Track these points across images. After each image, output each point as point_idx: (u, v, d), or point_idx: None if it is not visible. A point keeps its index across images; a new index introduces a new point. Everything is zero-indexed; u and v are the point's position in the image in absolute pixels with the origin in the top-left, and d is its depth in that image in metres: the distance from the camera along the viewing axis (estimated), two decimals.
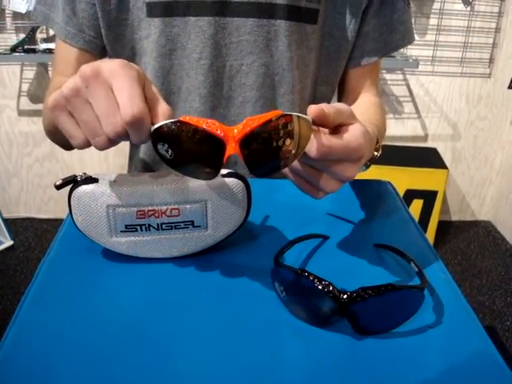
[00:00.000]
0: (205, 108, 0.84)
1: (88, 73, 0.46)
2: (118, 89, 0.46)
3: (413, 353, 0.45)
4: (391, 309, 0.46)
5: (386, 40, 0.89)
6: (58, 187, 0.51)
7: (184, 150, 0.47)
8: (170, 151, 0.47)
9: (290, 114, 0.46)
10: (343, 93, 0.95)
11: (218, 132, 0.45)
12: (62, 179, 0.52)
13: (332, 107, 0.50)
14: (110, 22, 0.81)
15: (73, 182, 0.53)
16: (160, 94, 0.51)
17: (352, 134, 0.51)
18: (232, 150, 0.46)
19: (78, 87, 0.47)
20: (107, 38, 0.83)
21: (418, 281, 0.53)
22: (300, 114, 0.47)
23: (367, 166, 0.63)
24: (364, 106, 0.88)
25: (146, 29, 0.81)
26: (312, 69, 0.88)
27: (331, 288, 0.44)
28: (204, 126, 0.45)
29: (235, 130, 0.45)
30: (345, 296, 0.44)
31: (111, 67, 0.47)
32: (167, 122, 0.46)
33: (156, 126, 0.46)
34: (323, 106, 0.49)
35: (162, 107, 0.49)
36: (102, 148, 0.48)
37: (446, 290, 0.53)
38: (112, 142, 0.48)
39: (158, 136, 0.47)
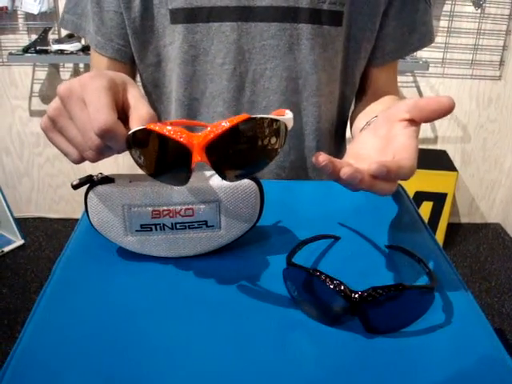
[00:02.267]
0: (228, 113, 0.85)
1: (62, 92, 0.48)
2: (87, 102, 0.47)
3: (422, 353, 0.46)
4: (401, 308, 0.47)
5: (407, 40, 0.89)
6: (75, 187, 0.52)
7: (152, 157, 0.48)
8: (141, 158, 0.48)
9: (258, 117, 0.46)
10: (364, 92, 0.96)
11: (182, 139, 0.45)
12: (79, 179, 0.53)
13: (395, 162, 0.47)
14: (135, 29, 0.82)
15: (89, 182, 0.53)
16: (144, 97, 0.51)
17: (407, 164, 0.48)
18: (198, 157, 0.46)
19: (59, 107, 0.49)
20: (134, 45, 0.85)
21: (427, 281, 0.54)
22: (268, 116, 0.47)
23: None
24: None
25: (170, 35, 0.82)
26: (339, 71, 0.88)
27: (343, 287, 0.45)
28: (167, 133, 0.46)
29: (199, 137, 0.46)
30: (356, 295, 0.45)
31: (81, 81, 0.48)
32: (135, 129, 0.47)
33: (129, 133, 0.47)
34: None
35: (140, 112, 0.49)
36: (93, 161, 0.50)
37: (456, 290, 0.54)
38: (100, 153, 0.49)
39: (130, 143, 0.48)
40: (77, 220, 0.65)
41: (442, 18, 2.36)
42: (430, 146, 2.65)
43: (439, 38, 2.40)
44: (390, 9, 0.85)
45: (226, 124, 0.45)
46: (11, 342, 1.85)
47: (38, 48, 2.20)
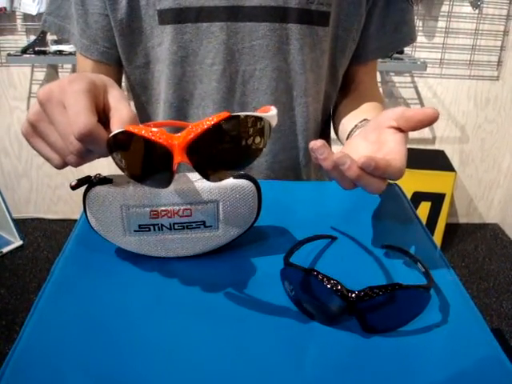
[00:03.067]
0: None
1: (41, 96, 0.47)
2: (67, 106, 0.46)
3: (419, 352, 0.46)
4: (398, 308, 0.47)
5: (389, 39, 0.91)
6: (74, 188, 0.52)
7: (133, 160, 0.48)
8: (122, 161, 0.48)
9: (238, 115, 0.46)
10: (345, 89, 0.97)
11: (161, 140, 0.45)
12: (77, 180, 0.53)
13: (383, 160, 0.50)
14: (122, 31, 0.81)
15: (88, 183, 0.54)
16: (125, 99, 0.51)
17: (397, 165, 0.52)
18: (179, 158, 0.46)
19: (39, 112, 0.48)
20: (121, 47, 0.84)
21: (424, 281, 0.54)
22: (249, 113, 0.47)
23: None
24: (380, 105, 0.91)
25: (159, 36, 0.81)
26: (325, 71, 0.89)
27: (340, 287, 0.45)
28: (146, 135, 0.45)
29: (179, 137, 0.45)
30: (353, 295, 0.45)
31: (61, 85, 0.48)
32: (115, 132, 0.46)
33: (109, 136, 0.47)
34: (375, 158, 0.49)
35: (120, 114, 0.49)
36: (76, 165, 0.49)
37: (453, 290, 0.54)
38: (81, 158, 0.48)
39: (110, 146, 0.47)
40: (75, 221, 0.66)
41: (439, 18, 2.37)
42: (428, 146, 2.66)
43: (437, 39, 2.41)
44: (374, 9, 0.87)
45: (206, 123, 0.45)
46: (9, 343, 1.85)
47: (36, 49, 2.20)
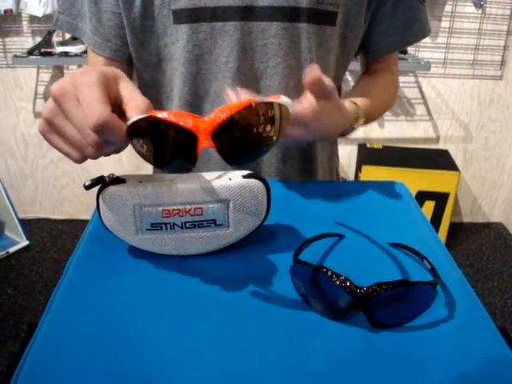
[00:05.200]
0: None
1: (56, 91, 0.48)
2: (80, 99, 0.47)
3: (425, 347, 0.47)
4: (405, 303, 0.48)
5: (401, 36, 0.94)
6: (87, 187, 0.53)
7: (157, 145, 0.49)
8: (144, 146, 0.49)
9: (262, 101, 0.48)
10: (367, 72, 1.01)
11: (188, 125, 0.46)
12: (91, 180, 0.54)
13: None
14: (134, 30, 0.83)
15: (101, 183, 0.55)
16: (137, 89, 0.52)
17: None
18: (204, 142, 0.47)
19: (53, 108, 0.49)
20: (133, 46, 0.85)
21: (430, 277, 0.55)
22: (272, 100, 0.49)
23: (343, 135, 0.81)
24: (372, 85, 0.97)
25: (173, 35, 0.82)
26: (329, 69, 0.90)
27: (348, 283, 0.47)
28: (173, 120, 0.46)
29: (206, 122, 0.47)
30: (362, 291, 0.46)
31: (73, 79, 0.48)
32: (137, 118, 0.47)
33: (128, 122, 0.48)
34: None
35: (137, 102, 0.50)
36: (95, 157, 0.50)
37: (458, 287, 0.55)
38: (99, 149, 0.49)
39: (132, 132, 0.48)
40: (81, 221, 0.67)
41: (443, 18, 2.37)
42: (432, 146, 2.66)
43: (440, 39, 2.41)
44: (383, 7, 0.89)
45: (231, 108, 0.47)
46: (17, 342, 1.87)
47: (42, 50, 2.21)
